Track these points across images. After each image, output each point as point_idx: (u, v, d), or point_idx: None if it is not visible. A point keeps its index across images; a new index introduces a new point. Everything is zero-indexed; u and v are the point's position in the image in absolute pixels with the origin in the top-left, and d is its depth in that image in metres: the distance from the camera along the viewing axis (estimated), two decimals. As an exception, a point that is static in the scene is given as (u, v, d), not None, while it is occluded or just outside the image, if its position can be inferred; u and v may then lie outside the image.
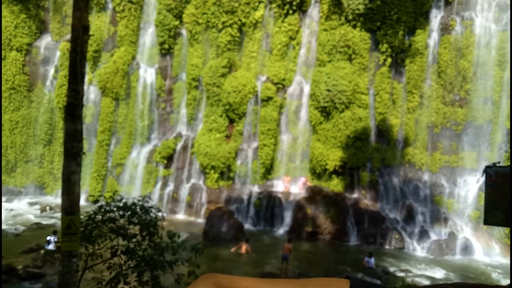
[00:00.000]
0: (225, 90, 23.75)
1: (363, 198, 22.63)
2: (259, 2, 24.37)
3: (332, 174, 23.03)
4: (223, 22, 24.36)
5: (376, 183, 22.79)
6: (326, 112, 23.20)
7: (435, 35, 22.87)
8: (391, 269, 17.32)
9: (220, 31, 24.57)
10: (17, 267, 13.74)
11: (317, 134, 23.59)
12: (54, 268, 14.10)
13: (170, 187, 24.33)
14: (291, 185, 23.75)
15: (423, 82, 22.84)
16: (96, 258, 7.58)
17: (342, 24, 23.35)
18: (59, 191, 25.00)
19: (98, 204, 8.68)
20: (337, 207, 21.81)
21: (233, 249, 18.09)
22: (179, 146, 24.74)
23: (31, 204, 24.09)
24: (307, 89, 24.14)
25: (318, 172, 23.45)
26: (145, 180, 24.68)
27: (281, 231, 22.03)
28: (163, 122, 25.86)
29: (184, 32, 25.45)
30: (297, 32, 24.44)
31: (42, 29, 26.43)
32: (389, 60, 23.01)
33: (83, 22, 5.34)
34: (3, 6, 25.34)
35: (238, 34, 24.60)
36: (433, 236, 20.95)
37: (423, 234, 21.00)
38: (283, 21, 24.35)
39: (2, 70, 25.43)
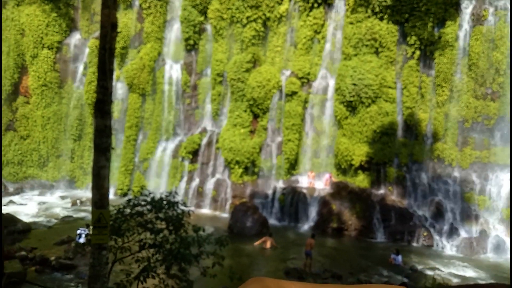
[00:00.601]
0: (249, 85, 23.75)
1: (390, 194, 22.22)
2: (284, -4, 24.17)
3: (358, 170, 22.71)
4: (247, 17, 24.31)
5: (404, 179, 22.31)
6: (352, 107, 22.85)
7: (466, 26, 22.07)
8: (419, 267, 16.95)
9: (244, 26, 24.54)
10: (50, 258, 14.25)
11: (343, 129, 23.28)
12: (84, 260, 14.54)
13: (196, 182, 24.61)
14: (315, 181, 23.58)
15: (453, 75, 22.11)
16: (125, 251, 7.75)
17: (369, 16, 22.87)
18: (89, 185, 25.82)
19: (126, 198, 8.85)
20: (363, 203, 21.50)
21: (256, 243, 18.16)
22: (204, 141, 24.95)
23: (63, 197, 24.91)
24: (332, 83, 23.83)
25: (343, 168, 23.17)
26: (171, 175, 25.05)
27: (305, 227, 21.93)
28: (189, 118, 26.14)
29: (209, 27, 25.57)
30: (322, 25, 24.12)
31: (71, 27, 27.13)
32: (418, 52, 22.40)
33: (111, 19, 5.43)
34: (35, 5, 26.13)
35: (262, 29, 24.51)
36: (463, 234, 20.37)
37: (453, 232, 20.44)
38: (308, 15, 24.08)
39: (35, 68, 26.28)
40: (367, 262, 17.49)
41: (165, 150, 25.49)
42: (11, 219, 17.93)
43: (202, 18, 25.43)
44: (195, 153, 24.84)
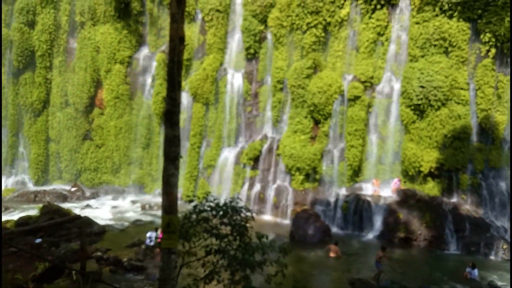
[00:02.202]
0: (310, 91, 23.55)
1: (464, 203, 20.69)
2: (345, 0, 23.75)
3: (427, 177, 21.46)
4: (307, 23, 24.20)
5: (479, 186, 20.67)
6: (419, 110, 21.71)
7: (550, 19, 20.06)
8: (499, 283, 15.52)
9: (304, 32, 24.45)
10: (123, 259, 15.10)
11: (410, 133, 22.18)
12: (153, 262, 15.23)
13: (257, 188, 24.81)
14: (381, 188, 22.65)
15: (535, 73, 20.17)
16: (192, 256, 7.96)
17: (437, 15, 21.69)
18: (157, 191, 27.13)
19: (193, 204, 9.11)
20: (433, 212, 20.24)
21: (326, 248, 17.80)
22: (265, 148, 25.13)
23: (133, 202, 26.38)
24: (397, 86, 22.85)
25: (411, 175, 22.03)
26: (233, 181, 25.50)
27: (370, 236, 21.11)
28: (250, 125, 26.51)
29: (269, 36, 25.84)
30: (386, 27, 23.29)
31: (140, 42, 28.88)
32: (493, 50, 20.77)
33: (179, 33, 5.64)
34: (108, 24, 28.21)
35: (323, 34, 24.24)
36: (551, 249, 18.33)
37: (539, 246, 18.48)
38: (370, 17, 23.40)
39: (108, 81, 28.30)
40: (439, 275, 16.36)
41: (228, 157, 26.04)
42: (88, 222, 19.33)
43: (262, 27, 25.78)
44: (256, 160, 25.08)
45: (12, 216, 21.31)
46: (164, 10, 27.84)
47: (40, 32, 28.55)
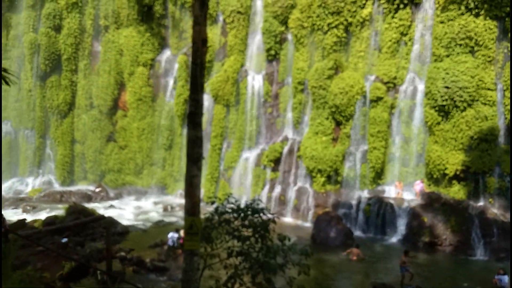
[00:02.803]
0: (331, 92, 23.34)
1: (491, 207, 20.06)
2: (366, 0, 23.44)
3: (453, 180, 20.91)
4: (328, 24, 24.01)
5: (507, 190, 20.00)
6: (444, 111, 21.20)
7: None
8: (530, 291, 14.94)
9: (325, 33, 24.26)
10: (146, 260, 15.31)
11: (434, 135, 21.69)
12: (176, 263, 15.38)
13: (278, 190, 24.75)
14: (404, 191, 22.21)
15: None
16: (214, 258, 7.99)
17: (462, 14, 21.14)
18: (179, 192, 27.42)
19: (214, 206, 9.14)
20: (459, 216, 19.70)
21: (344, 253, 17.60)
22: (285, 150, 25.04)
23: (156, 203, 26.74)
24: (421, 87, 22.39)
25: (435, 177, 21.53)
26: (254, 183, 25.52)
27: (393, 239, 20.73)
28: (270, 126, 26.47)
29: (289, 37, 25.76)
30: (409, 27, 22.86)
31: (163, 45, 29.28)
32: (522, 49, 20.08)
33: (202, 35, 5.68)
34: (131, 27, 28.70)
35: (344, 35, 23.99)
36: None
37: None
38: (393, 17, 23.02)
39: (131, 84, 28.79)
40: (465, 282, 15.91)
41: (248, 158, 26.08)
42: (112, 222, 19.70)
43: (283, 28, 25.72)
44: (276, 162, 25.01)
45: (39, 215, 21.94)
46: (186, 13, 28.15)
47: (66, 36, 29.31)
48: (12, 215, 21.59)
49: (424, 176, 22.15)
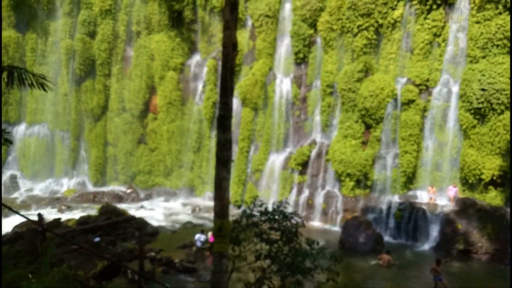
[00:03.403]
0: (361, 95, 22.98)
1: (531, 215, 19.12)
2: (398, 1, 22.98)
3: (489, 185, 20.10)
4: (358, 26, 23.69)
5: (549, 197, 19.02)
6: (480, 115, 20.44)
7: None
8: None
9: (355, 35, 23.94)
10: (175, 260, 15.52)
11: (470, 139, 20.94)
12: (204, 264, 15.52)
13: (305, 194, 24.55)
14: (437, 197, 21.53)
15: None
16: (242, 260, 8.00)
17: (500, 13, 20.36)
18: (207, 194, 27.67)
19: (242, 209, 9.17)
20: (495, 223, 18.89)
21: (379, 260, 17.19)
22: (313, 153, 24.83)
23: (184, 204, 27.11)
24: (456, 89, 21.68)
25: (470, 183, 20.76)
26: (281, 186, 25.43)
27: (426, 246, 20.12)
28: (298, 130, 26.34)
29: (318, 40, 25.58)
30: (443, 27, 22.22)
31: (192, 49, 29.75)
32: None
33: (232, 40, 5.72)
34: (162, 33, 29.33)
35: (374, 37, 23.59)
36: None
37: None
38: (425, 18, 22.45)
39: (162, 88, 29.38)
40: (503, 292, 15.22)
41: (275, 161, 26.02)
42: (143, 223, 20.11)
43: (312, 31, 25.58)
44: (304, 165, 24.84)
45: (73, 215, 22.70)
46: (215, 17, 28.49)
47: (100, 42, 30.28)
48: (48, 214, 22.43)
49: (458, 181, 21.41)
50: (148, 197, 28.86)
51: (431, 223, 20.29)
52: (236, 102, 27.02)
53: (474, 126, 20.75)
